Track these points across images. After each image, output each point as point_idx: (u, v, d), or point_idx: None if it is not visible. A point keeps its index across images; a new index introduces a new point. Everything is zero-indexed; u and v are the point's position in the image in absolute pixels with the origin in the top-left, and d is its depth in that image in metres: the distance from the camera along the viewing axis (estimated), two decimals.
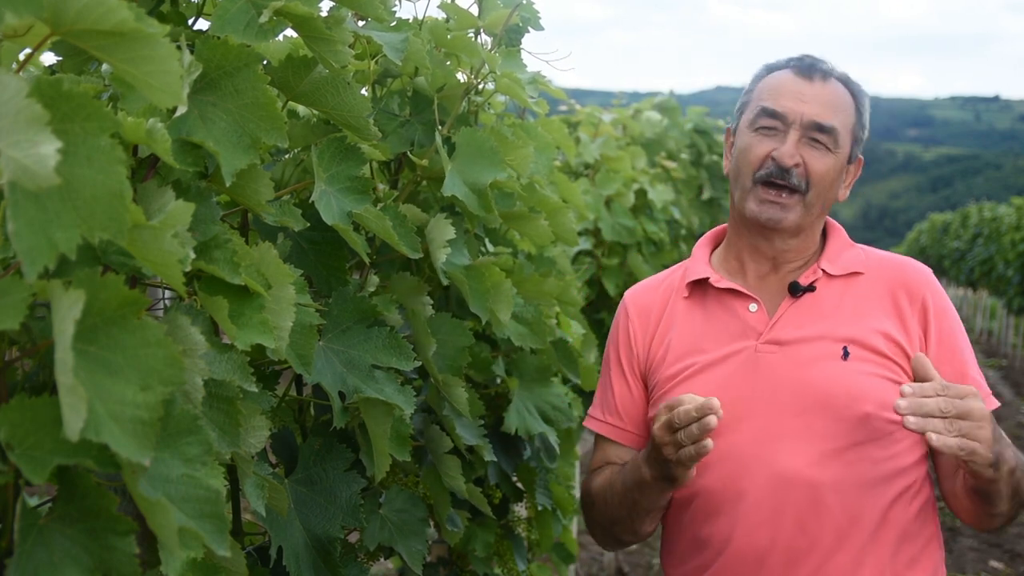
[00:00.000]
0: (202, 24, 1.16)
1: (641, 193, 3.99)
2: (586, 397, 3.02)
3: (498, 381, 1.79)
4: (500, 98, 1.75)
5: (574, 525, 4.11)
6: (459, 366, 1.46)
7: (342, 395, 1.20)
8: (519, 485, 1.90)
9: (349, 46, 1.15)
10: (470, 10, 1.55)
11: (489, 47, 1.56)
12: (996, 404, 1.53)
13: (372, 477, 1.30)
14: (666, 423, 1.42)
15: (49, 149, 0.63)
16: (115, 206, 0.69)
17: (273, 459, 1.24)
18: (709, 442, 1.38)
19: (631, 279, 3.84)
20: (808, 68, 1.61)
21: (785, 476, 1.50)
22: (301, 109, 1.41)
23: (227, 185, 0.98)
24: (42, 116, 0.63)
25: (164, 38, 0.73)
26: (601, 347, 3.02)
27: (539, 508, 1.96)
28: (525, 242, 1.93)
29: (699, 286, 1.68)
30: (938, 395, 1.33)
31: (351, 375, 1.21)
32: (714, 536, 1.55)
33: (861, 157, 1.68)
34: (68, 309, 0.67)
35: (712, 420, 1.36)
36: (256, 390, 0.98)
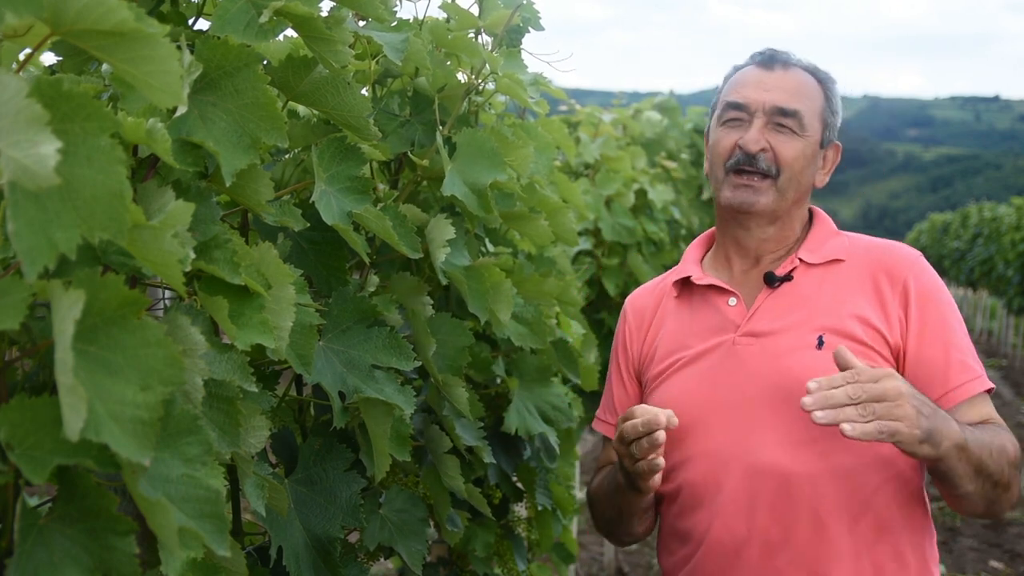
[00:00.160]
0: (202, 24, 1.16)
1: (641, 193, 3.99)
2: (586, 397, 3.02)
3: (498, 381, 1.79)
4: (500, 98, 1.75)
5: (574, 525, 4.11)
6: (459, 366, 1.46)
7: (342, 395, 1.20)
8: (519, 485, 1.90)
9: (349, 46, 1.15)
10: (471, 10, 1.55)
11: (490, 47, 1.56)
12: (989, 385, 1.51)
13: (372, 477, 1.30)
14: (619, 436, 1.44)
15: (49, 149, 0.63)
16: (115, 206, 0.69)
17: (273, 459, 1.24)
18: (660, 460, 1.40)
19: (631, 279, 3.84)
20: (768, 59, 1.64)
21: (759, 467, 1.50)
22: (301, 109, 1.41)
23: (227, 185, 0.98)
24: (42, 116, 0.63)
25: (164, 38, 0.73)
26: (601, 347, 3.02)
27: (539, 508, 1.96)
28: (525, 242, 1.93)
29: (686, 285, 1.70)
30: (847, 383, 1.30)
31: (351, 375, 1.21)
32: (696, 528, 1.56)
33: (838, 143, 1.68)
34: (68, 309, 0.67)
35: (660, 435, 1.37)
36: (256, 390, 0.98)
